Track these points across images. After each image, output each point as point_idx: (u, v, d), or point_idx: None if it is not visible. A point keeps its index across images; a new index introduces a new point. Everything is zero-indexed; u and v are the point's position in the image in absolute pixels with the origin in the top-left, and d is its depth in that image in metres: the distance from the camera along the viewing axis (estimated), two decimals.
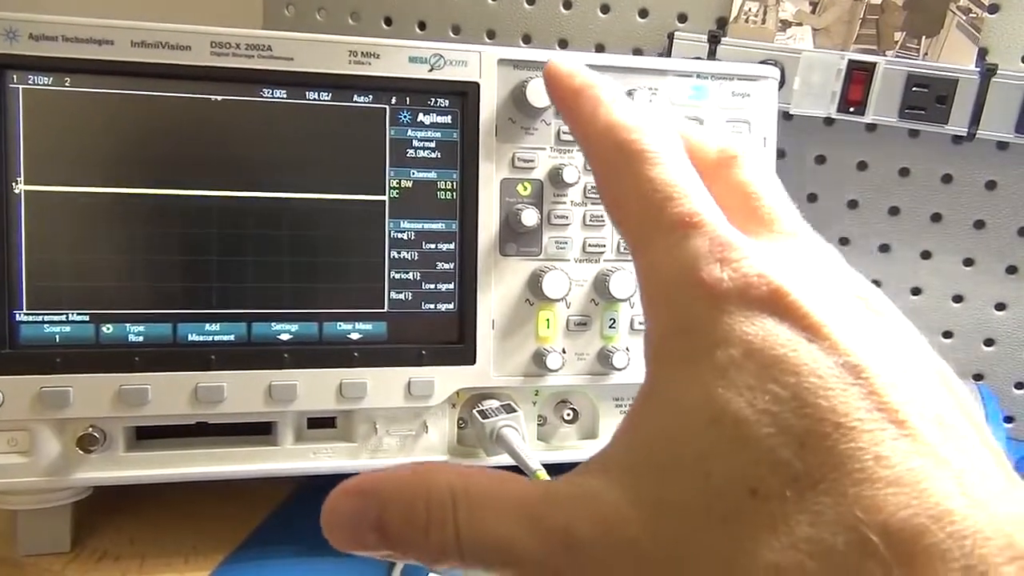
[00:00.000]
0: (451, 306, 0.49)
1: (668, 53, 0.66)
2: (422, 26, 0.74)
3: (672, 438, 0.20)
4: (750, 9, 0.65)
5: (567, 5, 0.70)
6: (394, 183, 0.47)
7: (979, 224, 0.67)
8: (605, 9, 0.69)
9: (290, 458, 0.48)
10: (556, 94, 0.25)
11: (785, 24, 0.65)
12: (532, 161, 0.49)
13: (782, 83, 0.62)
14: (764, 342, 0.19)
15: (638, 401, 0.22)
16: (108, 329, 0.44)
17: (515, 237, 0.49)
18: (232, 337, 0.46)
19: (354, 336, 0.47)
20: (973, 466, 0.17)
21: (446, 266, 0.48)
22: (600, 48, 0.69)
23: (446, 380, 0.48)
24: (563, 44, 0.70)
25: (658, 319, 0.22)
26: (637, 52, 0.69)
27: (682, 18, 0.67)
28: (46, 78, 0.43)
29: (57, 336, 0.44)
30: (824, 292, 0.20)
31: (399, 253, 0.48)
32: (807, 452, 0.18)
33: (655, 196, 0.22)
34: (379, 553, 0.21)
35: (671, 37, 0.66)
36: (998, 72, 0.61)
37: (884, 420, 0.18)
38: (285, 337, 0.47)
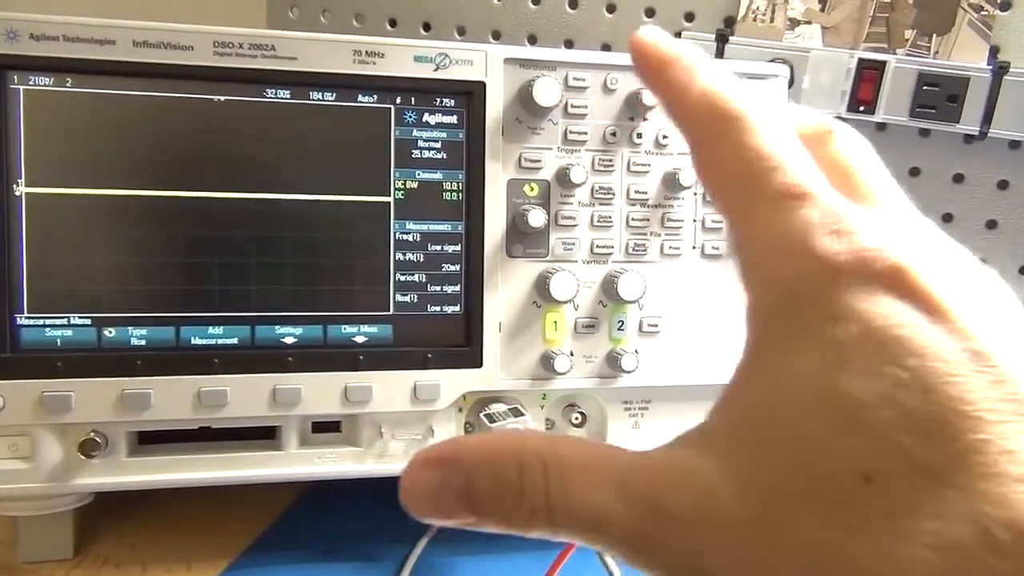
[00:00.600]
0: (457, 308, 0.48)
1: None
2: (427, 27, 0.74)
3: (779, 415, 0.19)
4: (758, 7, 0.64)
5: (573, 4, 0.69)
6: (399, 184, 0.47)
7: (991, 224, 0.66)
8: (611, 8, 0.68)
9: (295, 463, 0.47)
10: (645, 65, 0.25)
11: (794, 22, 0.64)
12: (539, 161, 0.48)
13: (791, 82, 0.62)
14: (885, 320, 0.18)
15: (740, 375, 0.21)
16: (110, 333, 0.44)
17: (522, 238, 0.48)
18: (235, 340, 0.45)
19: (359, 339, 0.47)
20: None
21: (452, 268, 0.48)
22: (607, 48, 0.69)
23: (452, 383, 0.47)
24: (569, 44, 0.70)
25: (764, 291, 0.21)
26: None
27: (689, 17, 0.67)
28: (47, 78, 0.42)
29: (59, 340, 0.43)
30: (943, 270, 0.19)
31: (404, 255, 0.47)
32: (930, 440, 0.17)
33: (759, 164, 0.21)
34: (462, 521, 0.21)
35: (679, 36, 0.66)
36: (1010, 70, 0.61)
37: (1012, 411, 0.17)
38: (289, 340, 0.46)
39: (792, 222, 0.20)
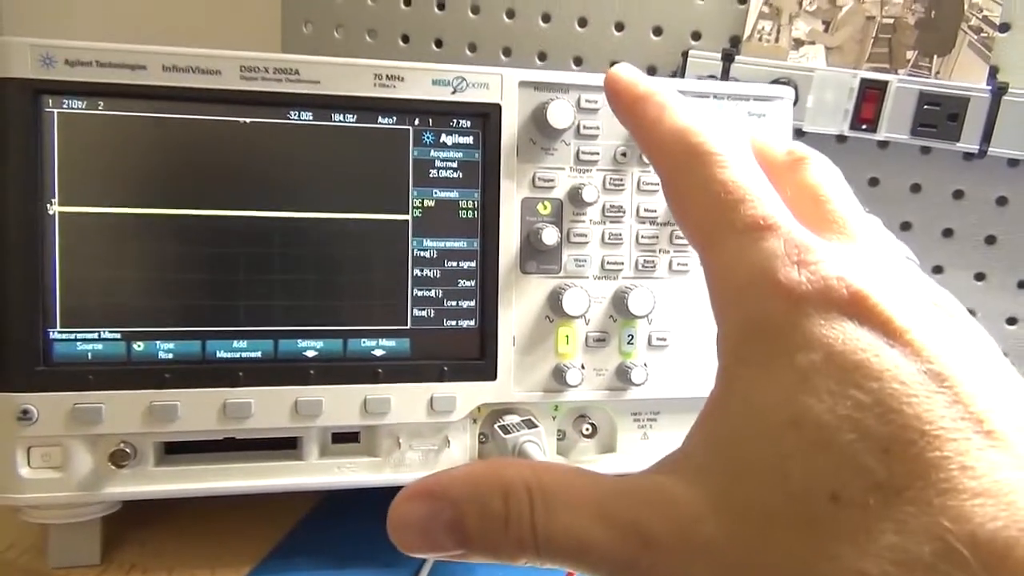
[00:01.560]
0: (473, 323, 0.49)
1: (682, 71, 0.67)
2: (439, 44, 0.75)
3: (750, 440, 0.19)
4: (764, 28, 0.66)
5: (582, 23, 0.71)
6: (417, 202, 0.48)
7: (990, 239, 0.68)
8: (620, 27, 0.70)
9: (315, 472, 0.49)
10: (619, 101, 0.26)
11: (798, 43, 0.66)
12: (552, 181, 0.50)
13: (795, 101, 0.63)
14: (845, 346, 0.19)
15: (713, 402, 0.21)
16: (139, 346, 0.45)
17: (535, 255, 0.50)
18: (259, 354, 0.47)
19: (378, 352, 0.48)
20: None
21: (468, 283, 0.49)
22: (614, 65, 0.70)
23: (468, 395, 0.49)
24: (578, 62, 0.71)
25: (733, 320, 0.22)
26: (651, 70, 0.70)
27: (696, 36, 0.68)
28: (80, 102, 0.44)
29: (89, 353, 0.45)
30: (903, 296, 0.20)
31: (422, 271, 0.49)
32: (891, 459, 0.17)
33: (726, 198, 0.22)
34: (452, 554, 0.21)
35: (685, 55, 0.67)
36: (1009, 90, 0.62)
37: (970, 429, 0.17)
38: (311, 354, 0.48)
39: (758, 253, 0.21)
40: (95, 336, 0.45)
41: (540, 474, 0.21)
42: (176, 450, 0.47)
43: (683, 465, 0.21)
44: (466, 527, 0.21)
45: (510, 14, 0.72)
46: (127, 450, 0.45)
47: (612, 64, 0.70)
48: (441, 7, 0.74)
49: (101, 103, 0.44)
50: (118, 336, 0.45)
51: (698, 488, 0.20)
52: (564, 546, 0.20)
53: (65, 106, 0.44)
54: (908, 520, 0.17)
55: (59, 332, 0.44)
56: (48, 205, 0.44)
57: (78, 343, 0.45)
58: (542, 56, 0.72)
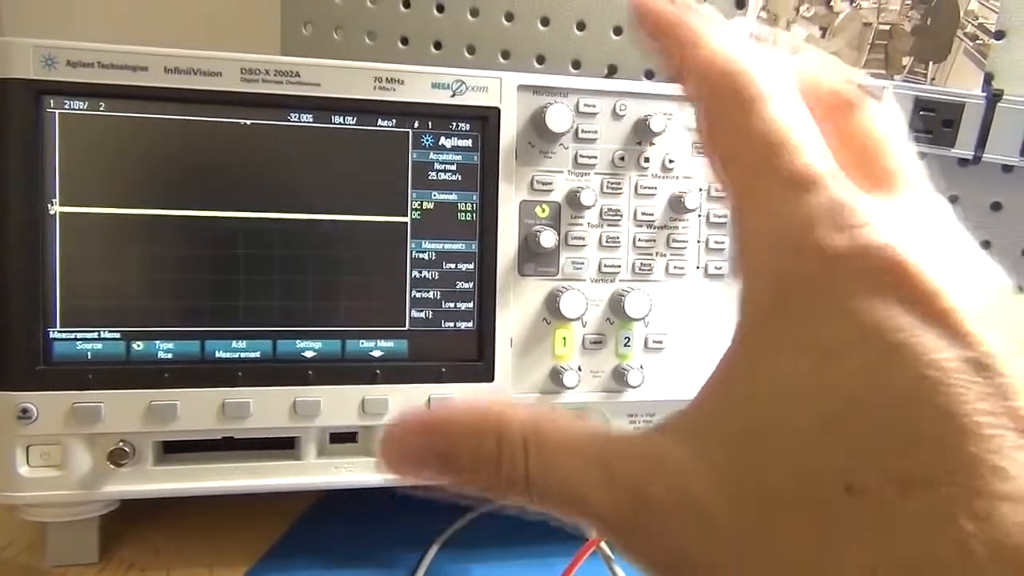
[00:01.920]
0: (470, 324, 0.50)
1: None
2: (438, 46, 0.76)
3: (763, 416, 0.18)
4: (761, 34, 0.66)
5: (580, 26, 0.71)
6: (416, 204, 0.49)
7: (984, 245, 0.67)
8: (618, 31, 0.71)
9: (313, 472, 0.49)
10: (649, 25, 0.23)
11: (795, 49, 0.66)
12: (550, 184, 0.50)
13: None
14: (882, 323, 0.17)
15: (728, 367, 0.20)
16: (138, 346, 0.46)
17: (533, 257, 0.50)
18: (258, 354, 0.47)
19: (376, 353, 0.49)
20: None
21: (466, 285, 0.50)
22: (612, 69, 0.71)
23: (465, 397, 0.49)
24: (576, 65, 0.72)
25: (761, 277, 0.20)
26: (649, 74, 0.70)
27: None
28: (82, 103, 0.44)
29: (89, 353, 0.45)
30: (952, 270, 0.18)
31: (420, 273, 0.49)
32: (916, 451, 0.16)
33: (767, 142, 0.20)
34: (441, 480, 0.21)
35: None
36: (1004, 97, 0.63)
37: (1007, 426, 0.16)
38: (309, 354, 0.48)
39: (797, 210, 0.19)
40: (95, 336, 0.45)
41: (539, 422, 0.20)
42: (175, 449, 0.48)
43: (688, 427, 0.20)
44: (456, 461, 0.20)
45: (509, 17, 0.73)
46: (126, 449, 0.45)
47: (610, 67, 0.71)
48: (440, 9, 0.75)
49: (102, 104, 0.45)
50: (118, 336, 0.45)
51: (701, 456, 0.19)
52: (557, 495, 0.20)
53: (67, 107, 0.44)
54: (928, 519, 0.16)
55: (59, 332, 0.45)
56: (49, 205, 0.44)
57: (78, 342, 0.45)
58: (540, 59, 0.72)
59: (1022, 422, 0.16)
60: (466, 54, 0.75)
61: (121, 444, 0.45)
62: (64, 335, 0.45)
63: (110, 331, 0.45)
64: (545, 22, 0.72)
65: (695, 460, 0.19)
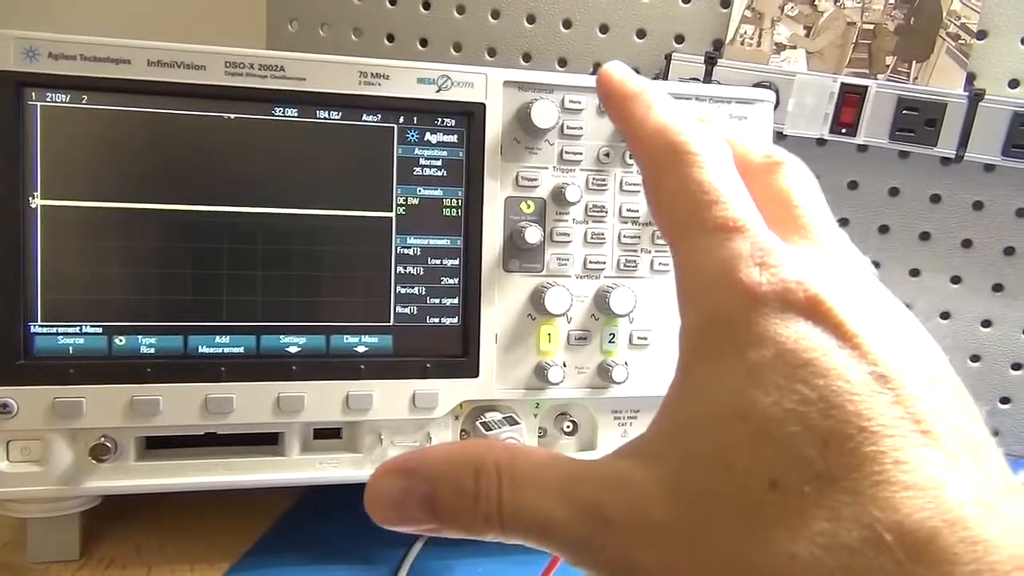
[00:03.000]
0: (455, 320, 0.50)
1: (665, 74, 0.68)
2: (424, 43, 0.75)
3: (701, 430, 0.21)
4: (746, 32, 0.67)
5: (567, 24, 0.71)
6: (401, 200, 0.49)
7: (966, 243, 0.69)
8: (604, 29, 0.71)
9: (297, 468, 0.49)
10: (609, 98, 0.27)
11: (780, 47, 0.66)
12: (535, 180, 0.50)
13: (776, 105, 0.64)
14: (796, 344, 0.20)
15: (672, 391, 0.23)
16: (120, 341, 0.45)
17: (518, 253, 0.50)
18: (241, 349, 0.47)
19: (360, 349, 0.49)
20: (989, 477, 0.18)
21: (451, 281, 0.50)
22: (599, 67, 0.71)
23: (450, 392, 0.49)
24: (562, 63, 0.72)
25: (694, 315, 0.23)
26: (635, 72, 0.70)
27: (679, 39, 0.69)
28: (64, 95, 0.44)
29: (71, 348, 0.45)
30: (858, 303, 0.21)
31: (405, 268, 0.49)
32: (830, 451, 0.18)
33: (701, 197, 0.23)
34: (423, 527, 0.23)
35: (668, 58, 0.68)
36: (985, 97, 0.63)
37: (908, 428, 0.18)
38: (293, 350, 0.48)
39: (724, 252, 0.22)
40: (76, 330, 0.45)
41: (512, 455, 0.22)
42: (157, 445, 0.47)
43: (641, 450, 0.22)
44: (439, 503, 0.22)
45: (495, 14, 0.73)
46: (108, 444, 0.45)
47: (596, 65, 0.71)
48: (426, 7, 0.75)
49: (85, 97, 0.44)
50: (100, 330, 0.45)
51: (652, 472, 0.21)
52: (527, 523, 0.22)
53: (48, 99, 0.44)
54: (840, 508, 0.18)
55: (40, 326, 0.44)
56: (30, 198, 0.44)
57: (59, 337, 0.45)
58: (527, 57, 0.73)
59: (919, 425, 0.18)
60: (452, 51, 0.74)
61: (103, 439, 0.45)
62: (45, 329, 0.44)
63: (92, 325, 0.45)
64: (531, 20, 0.72)
65: (647, 479, 0.21)
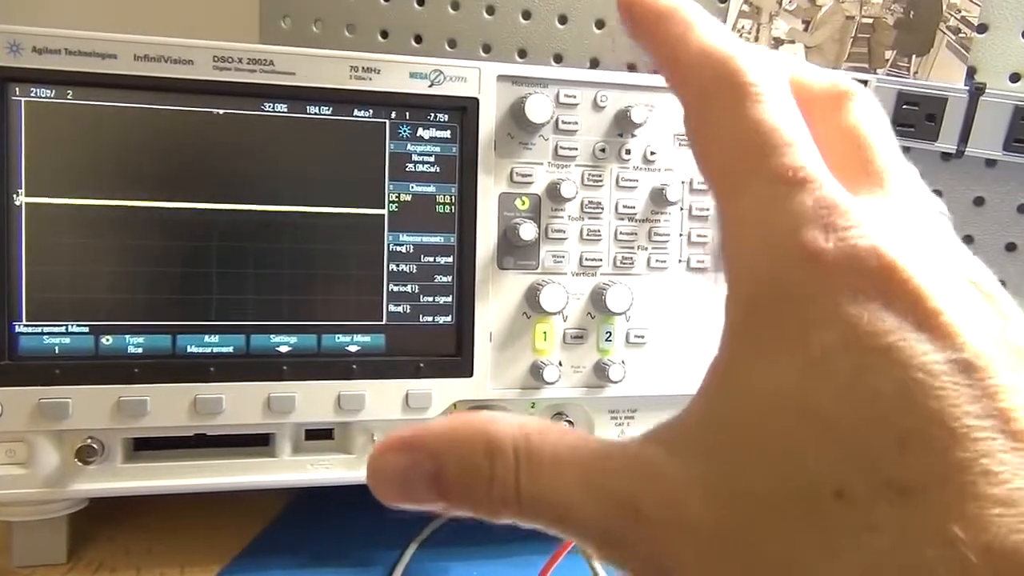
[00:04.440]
0: (449, 319, 0.49)
1: None
2: (418, 39, 0.75)
3: (751, 424, 0.18)
4: (743, 27, 0.66)
5: (563, 20, 0.71)
6: (393, 197, 0.48)
7: (968, 239, 0.68)
8: (600, 24, 0.70)
9: (288, 469, 0.48)
10: (637, 16, 0.22)
11: (778, 42, 0.65)
12: (530, 176, 0.49)
13: None
14: (868, 326, 0.17)
15: (716, 375, 0.20)
16: (107, 340, 0.45)
17: (513, 251, 0.49)
18: (231, 349, 0.46)
19: (352, 348, 0.48)
20: None
21: (444, 279, 0.49)
22: (595, 63, 0.70)
23: (444, 392, 0.48)
24: (558, 59, 0.71)
25: (745, 284, 0.20)
26: (631, 67, 0.69)
27: None
28: (48, 91, 0.43)
29: (56, 347, 0.44)
30: (939, 272, 0.18)
31: (398, 266, 0.48)
32: (906, 456, 0.16)
33: (757, 140, 0.19)
34: (430, 506, 0.21)
35: None
36: (986, 91, 0.62)
37: (997, 428, 0.16)
38: (284, 349, 0.47)
39: (784, 209, 0.19)
40: (62, 330, 0.44)
41: (528, 432, 0.20)
42: (145, 446, 0.46)
43: (679, 438, 0.19)
44: (446, 481, 0.20)
45: (490, 11, 0.72)
46: (94, 446, 0.44)
47: (592, 61, 0.70)
48: (421, 3, 0.74)
49: (70, 92, 0.43)
50: (86, 330, 0.44)
51: (693, 466, 0.18)
52: (548, 509, 0.19)
53: (33, 94, 0.43)
54: (918, 523, 0.16)
55: (25, 325, 0.43)
56: (14, 196, 0.43)
57: (45, 337, 0.44)
58: (522, 53, 0.72)
59: (1011, 424, 0.16)
60: (447, 47, 0.74)
61: (89, 441, 0.44)
62: (30, 329, 0.44)
63: (78, 325, 0.44)
64: (527, 15, 0.71)
65: (684, 471, 0.18)
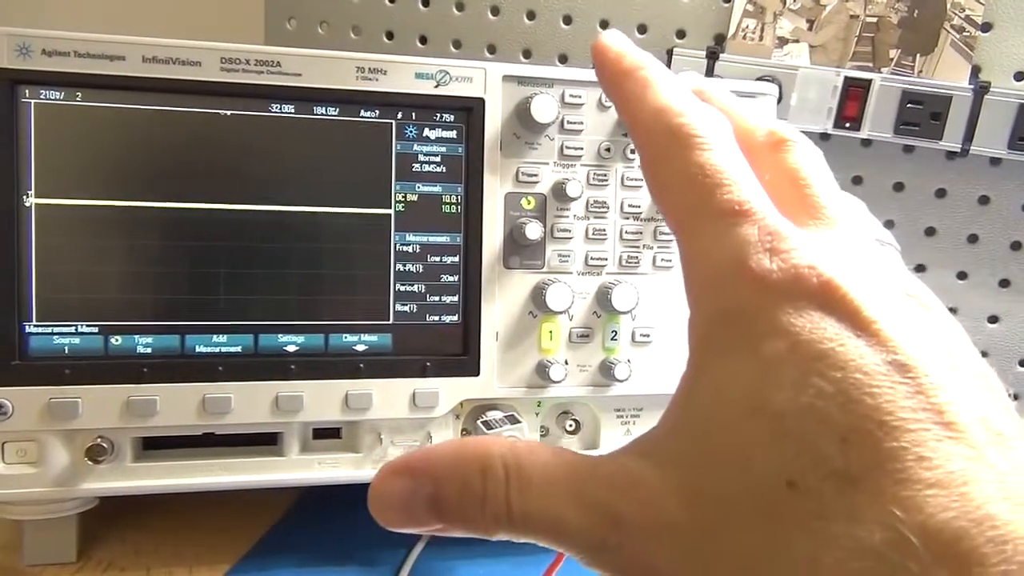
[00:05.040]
0: (455, 318, 0.49)
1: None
2: (423, 40, 0.75)
3: (714, 428, 0.20)
4: (748, 26, 0.66)
5: (567, 20, 0.71)
6: (400, 197, 0.48)
7: (972, 238, 0.68)
8: (605, 24, 0.70)
9: (296, 468, 0.48)
10: (604, 75, 0.25)
11: (782, 41, 0.66)
12: (536, 175, 0.49)
13: (779, 99, 0.63)
14: (811, 335, 0.19)
15: (682, 387, 0.22)
16: (117, 340, 0.45)
17: (519, 250, 0.49)
18: (239, 348, 0.46)
19: (360, 348, 0.48)
20: (1017, 470, 0.17)
21: (450, 279, 0.49)
22: None
23: (450, 391, 0.49)
24: (563, 59, 0.71)
25: (703, 306, 0.22)
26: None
27: (681, 34, 0.68)
28: (58, 93, 0.43)
29: (66, 347, 0.44)
30: (875, 287, 0.20)
31: (404, 266, 0.48)
32: (849, 448, 0.17)
33: (704, 182, 0.21)
34: (429, 528, 0.22)
35: (670, 53, 0.67)
36: (991, 89, 0.62)
37: (930, 420, 0.17)
38: (291, 348, 0.47)
39: (732, 239, 0.21)
40: (72, 330, 0.44)
41: (519, 453, 0.21)
42: (154, 445, 0.47)
43: (653, 449, 0.21)
44: (445, 503, 0.22)
45: (495, 11, 0.72)
46: (104, 445, 0.44)
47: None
48: (426, 4, 0.74)
49: (79, 94, 0.44)
50: (95, 330, 0.45)
51: (665, 473, 0.20)
52: (537, 523, 0.21)
53: (42, 97, 0.43)
54: (862, 508, 0.17)
55: (35, 326, 0.44)
56: (25, 197, 0.43)
57: (55, 337, 0.44)
58: (527, 53, 0.72)
59: (942, 416, 0.17)
60: (452, 48, 0.74)
61: (99, 440, 0.44)
62: (40, 329, 0.44)
63: (88, 325, 0.45)
64: (531, 16, 0.71)
65: (659, 477, 0.20)
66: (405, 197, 0.48)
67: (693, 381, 0.21)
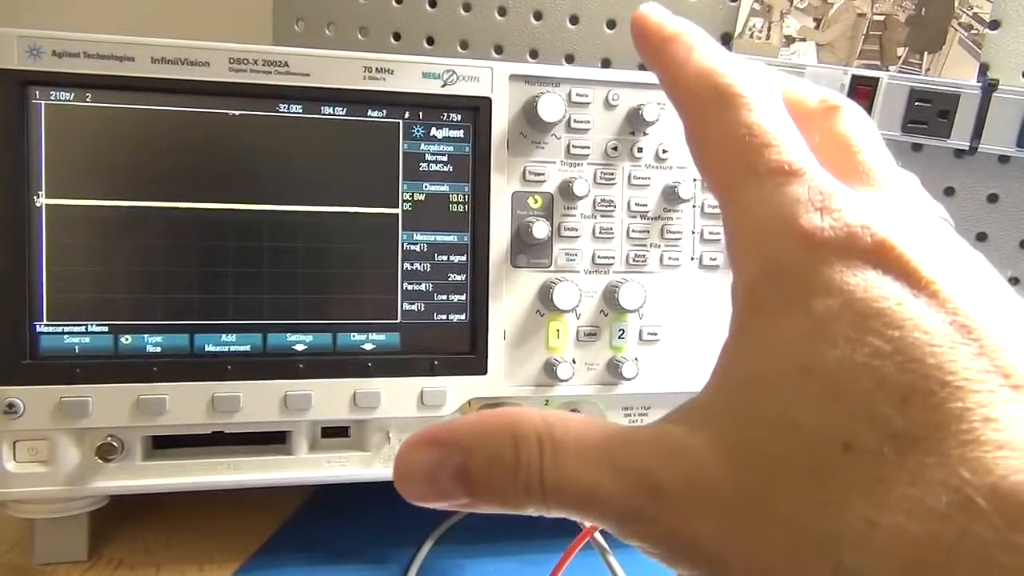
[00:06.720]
0: (463, 317, 0.49)
1: None
2: (430, 41, 0.75)
3: (760, 388, 0.19)
4: (755, 25, 0.66)
5: (574, 20, 0.71)
6: (407, 196, 0.48)
7: (981, 236, 0.68)
8: (611, 24, 0.70)
9: (304, 467, 0.48)
10: (646, 43, 0.24)
11: (789, 40, 0.66)
12: (543, 174, 0.50)
13: None
14: (866, 293, 0.18)
15: (726, 351, 0.21)
16: (126, 340, 0.45)
17: (526, 249, 0.50)
18: (248, 347, 0.47)
19: (368, 346, 0.48)
20: None
21: (458, 277, 0.49)
22: (606, 63, 0.70)
23: (458, 390, 0.49)
24: (570, 59, 0.71)
25: (749, 267, 0.21)
26: (643, 67, 0.69)
27: None
28: (68, 94, 0.44)
29: (77, 347, 0.45)
30: (931, 248, 0.19)
31: (412, 265, 0.48)
32: (910, 409, 0.17)
33: (751, 141, 0.21)
34: (457, 502, 0.21)
35: None
36: (999, 87, 0.62)
37: (995, 382, 0.17)
38: (300, 347, 0.47)
39: (780, 199, 0.20)
40: (82, 329, 0.45)
41: (551, 422, 0.21)
42: (164, 444, 0.47)
43: (693, 414, 0.20)
44: (473, 474, 0.21)
45: (502, 11, 0.72)
46: (114, 444, 0.45)
47: (603, 61, 0.70)
48: (433, 4, 0.74)
49: (89, 95, 0.44)
50: (106, 329, 0.45)
51: (706, 436, 0.19)
52: (572, 494, 0.20)
53: (52, 98, 0.44)
54: (925, 471, 0.16)
55: (46, 325, 0.44)
56: (35, 197, 0.44)
57: (65, 336, 0.44)
58: (534, 53, 0.72)
59: (1008, 380, 0.17)
60: (459, 49, 0.74)
61: (109, 439, 0.45)
62: (51, 329, 0.44)
63: (98, 325, 0.45)
64: (538, 16, 0.71)
65: (701, 443, 0.19)
66: (412, 196, 0.48)
67: (735, 343, 0.21)
